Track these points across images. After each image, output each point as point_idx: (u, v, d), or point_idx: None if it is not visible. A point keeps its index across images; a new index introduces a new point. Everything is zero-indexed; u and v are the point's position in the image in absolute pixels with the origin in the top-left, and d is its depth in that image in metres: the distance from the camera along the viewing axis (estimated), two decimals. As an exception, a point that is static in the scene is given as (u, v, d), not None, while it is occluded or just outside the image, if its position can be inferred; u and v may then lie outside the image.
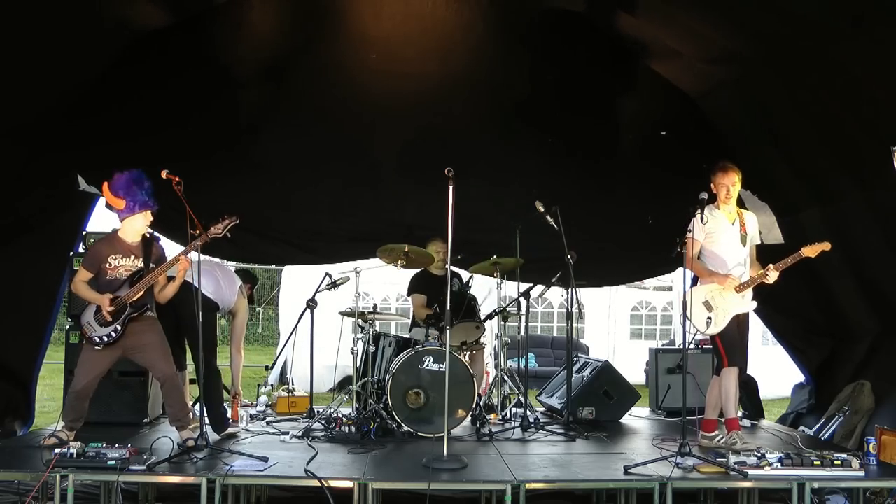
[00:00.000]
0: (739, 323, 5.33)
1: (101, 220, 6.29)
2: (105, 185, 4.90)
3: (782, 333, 7.21)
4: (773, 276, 5.22)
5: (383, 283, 10.68)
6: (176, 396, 4.98)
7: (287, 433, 5.47)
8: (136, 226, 4.94)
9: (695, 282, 5.42)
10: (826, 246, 5.18)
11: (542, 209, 5.96)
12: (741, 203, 5.96)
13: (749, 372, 6.25)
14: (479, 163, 6.79)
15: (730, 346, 5.27)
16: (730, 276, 5.22)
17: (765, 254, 5.59)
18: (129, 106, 6.29)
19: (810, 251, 5.16)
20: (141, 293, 4.85)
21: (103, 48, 5.93)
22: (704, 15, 5.67)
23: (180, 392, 5.01)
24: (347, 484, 4.21)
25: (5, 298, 5.84)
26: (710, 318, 5.24)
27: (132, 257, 4.93)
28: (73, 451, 4.22)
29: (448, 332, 4.92)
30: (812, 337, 7.03)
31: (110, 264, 4.89)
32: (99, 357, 4.86)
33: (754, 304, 5.36)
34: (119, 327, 4.82)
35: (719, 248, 5.32)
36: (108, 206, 5.14)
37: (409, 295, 6.97)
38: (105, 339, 4.82)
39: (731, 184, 5.31)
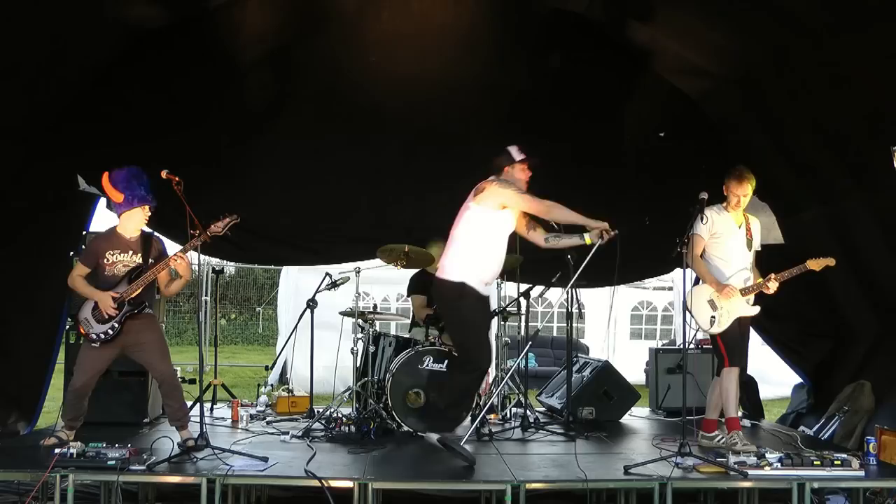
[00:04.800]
0: (741, 324, 5.33)
1: (103, 221, 6.29)
2: (105, 176, 4.87)
3: (776, 337, 7.17)
4: (773, 286, 5.22)
5: (383, 283, 10.66)
6: (175, 396, 4.95)
7: (287, 433, 5.47)
8: (135, 220, 4.90)
9: (697, 280, 5.42)
10: (831, 261, 5.20)
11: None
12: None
13: (749, 372, 6.24)
14: (478, 164, 6.77)
15: (731, 346, 5.26)
16: (727, 286, 5.20)
17: (765, 255, 5.58)
18: (130, 106, 6.27)
19: (815, 265, 5.18)
20: (139, 290, 4.83)
21: (102, 47, 5.92)
22: (707, 18, 5.67)
23: (179, 391, 4.98)
24: (347, 484, 4.21)
25: (13, 299, 5.83)
26: (713, 316, 5.24)
27: (130, 253, 4.89)
28: (73, 451, 4.22)
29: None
30: (808, 338, 7.01)
31: (108, 260, 4.85)
32: (97, 355, 4.83)
33: (757, 309, 5.35)
34: (116, 325, 4.79)
35: (724, 251, 5.30)
36: (108, 205, 5.13)
37: (409, 295, 6.96)
38: (102, 336, 4.79)
39: (744, 194, 5.28)
